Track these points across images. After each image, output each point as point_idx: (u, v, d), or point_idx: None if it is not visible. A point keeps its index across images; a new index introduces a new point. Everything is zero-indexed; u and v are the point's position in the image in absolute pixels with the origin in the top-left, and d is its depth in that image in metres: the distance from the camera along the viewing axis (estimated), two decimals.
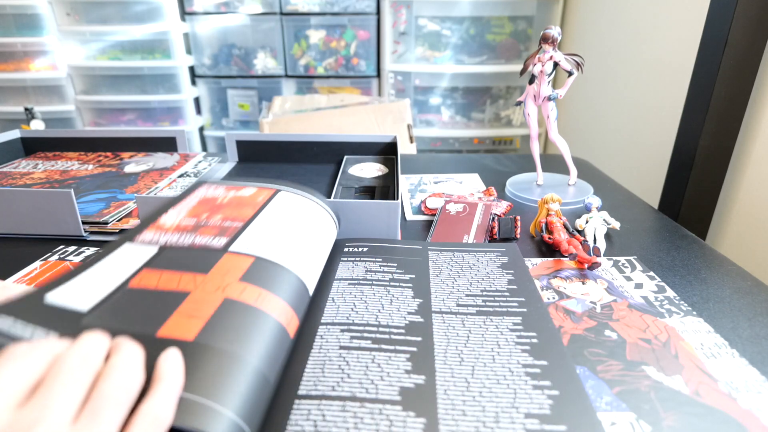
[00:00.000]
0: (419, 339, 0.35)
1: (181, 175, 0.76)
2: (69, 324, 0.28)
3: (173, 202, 0.44)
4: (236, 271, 0.34)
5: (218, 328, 0.29)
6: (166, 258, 0.35)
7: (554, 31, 0.63)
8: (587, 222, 0.57)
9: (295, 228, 0.42)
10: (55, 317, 0.28)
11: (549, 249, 0.54)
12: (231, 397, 0.25)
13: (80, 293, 0.31)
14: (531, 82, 0.68)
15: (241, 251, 0.36)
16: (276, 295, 0.33)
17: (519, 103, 0.71)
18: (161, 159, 0.83)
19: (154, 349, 0.26)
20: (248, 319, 0.30)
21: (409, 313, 0.39)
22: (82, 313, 0.29)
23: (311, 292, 0.38)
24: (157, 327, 0.28)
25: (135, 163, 0.81)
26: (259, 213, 0.42)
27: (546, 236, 0.54)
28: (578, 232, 0.56)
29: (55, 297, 0.30)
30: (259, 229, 0.40)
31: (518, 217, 0.57)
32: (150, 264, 0.35)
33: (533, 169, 0.76)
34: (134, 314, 0.30)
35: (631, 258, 0.52)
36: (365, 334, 0.36)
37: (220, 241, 0.38)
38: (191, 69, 1.86)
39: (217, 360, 0.27)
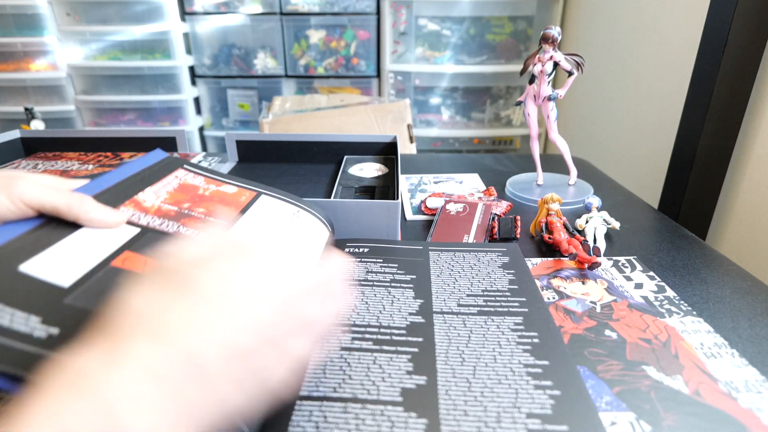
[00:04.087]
0: (420, 340, 0.36)
1: None
2: (52, 303, 0.26)
3: (149, 179, 0.43)
4: None
5: None
6: (149, 243, 0.34)
7: (554, 31, 0.63)
8: (587, 222, 0.57)
9: (275, 232, 0.43)
10: (35, 293, 0.26)
11: (549, 249, 0.54)
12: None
13: (58, 265, 0.29)
14: (531, 82, 0.68)
15: None
16: None
17: (519, 103, 0.71)
18: None
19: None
20: None
21: (411, 314, 0.39)
22: (63, 288, 0.28)
23: None
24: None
25: None
26: (242, 215, 0.43)
27: (546, 236, 0.54)
28: (578, 232, 0.56)
29: (31, 268, 0.28)
30: (243, 233, 0.41)
31: (518, 217, 0.57)
32: (132, 246, 0.33)
33: (533, 169, 0.76)
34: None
35: (631, 258, 0.52)
36: (366, 335, 0.36)
37: None
38: (191, 69, 1.86)
39: None
